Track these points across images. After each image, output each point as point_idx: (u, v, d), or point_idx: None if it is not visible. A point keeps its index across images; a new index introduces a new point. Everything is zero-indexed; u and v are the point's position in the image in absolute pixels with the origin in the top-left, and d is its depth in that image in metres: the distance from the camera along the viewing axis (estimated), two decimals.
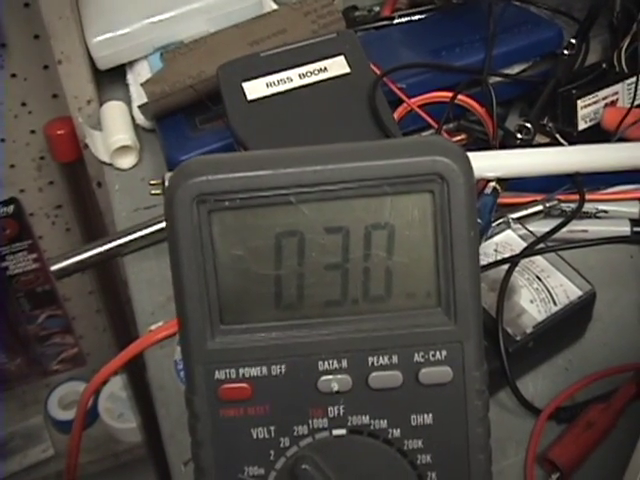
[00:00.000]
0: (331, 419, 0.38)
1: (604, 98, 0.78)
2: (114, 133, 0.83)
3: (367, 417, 0.38)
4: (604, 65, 0.82)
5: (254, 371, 0.37)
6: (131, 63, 0.90)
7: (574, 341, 0.62)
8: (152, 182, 0.71)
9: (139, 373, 1.29)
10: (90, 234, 1.15)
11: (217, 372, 0.38)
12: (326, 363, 0.37)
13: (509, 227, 0.66)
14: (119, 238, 0.73)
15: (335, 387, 0.37)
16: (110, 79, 0.92)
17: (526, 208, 0.69)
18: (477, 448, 0.38)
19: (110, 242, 0.74)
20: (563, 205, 0.70)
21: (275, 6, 0.90)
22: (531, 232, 0.65)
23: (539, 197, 0.70)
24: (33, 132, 1.11)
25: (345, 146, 0.37)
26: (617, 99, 0.79)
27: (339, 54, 0.72)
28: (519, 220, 0.67)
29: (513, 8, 0.86)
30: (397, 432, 0.38)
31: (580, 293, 0.60)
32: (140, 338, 0.68)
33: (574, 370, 0.61)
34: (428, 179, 0.36)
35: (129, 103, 0.88)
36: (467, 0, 0.88)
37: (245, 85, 0.71)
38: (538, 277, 0.61)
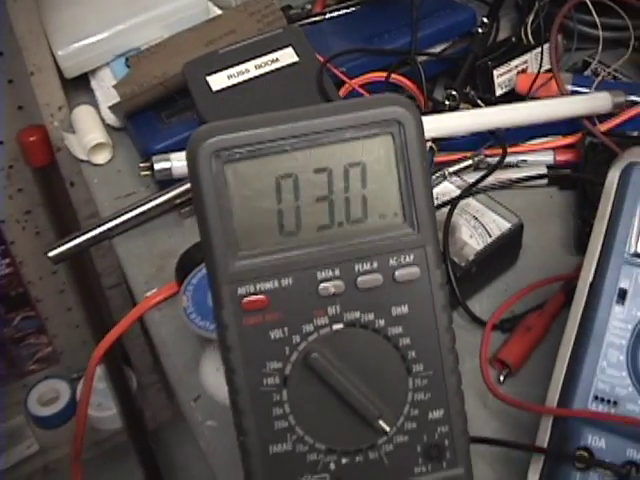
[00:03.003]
0: (330, 317, 0.49)
1: (516, 67, 0.91)
2: (88, 133, 0.93)
3: (358, 312, 0.49)
4: (513, 39, 0.94)
5: (268, 285, 0.48)
6: (94, 70, 1.00)
7: (509, 266, 0.74)
8: (141, 165, 0.81)
9: (117, 364, 1.38)
10: (63, 234, 1.24)
11: (239, 289, 0.48)
12: (323, 273, 0.48)
13: (445, 179, 0.77)
14: (108, 222, 0.83)
15: (332, 291, 0.48)
16: (75, 86, 1.01)
17: (458, 163, 0.81)
18: (443, 329, 0.50)
19: (100, 226, 0.84)
20: (489, 159, 0.82)
21: (219, 11, 1.01)
22: (465, 181, 0.77)
23: (468, 154, 0.82)
24: (1, 143, 1.20)
25: (325, 105, 0.49)
26: (527, 67, 0.92)
27: (288, 45, 0.84)
28: (454, 173, 0.79)
29: None
30: (382, 322, 0.49)
31: (509, 225, 0.72)
32: (139, 303, 0.78)
33: (511, 290, 0.73)
34: (389, 124, 0.48)
35: (96, 106, 0.98)
36: None
37: (209, 78, 0.82)
38: (474, 216, 0.73)
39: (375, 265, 0.49)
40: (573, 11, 0.93)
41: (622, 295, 0.55)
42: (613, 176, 0.57)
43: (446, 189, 0.76)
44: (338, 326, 0.49)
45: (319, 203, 0.48)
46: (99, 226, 0.84)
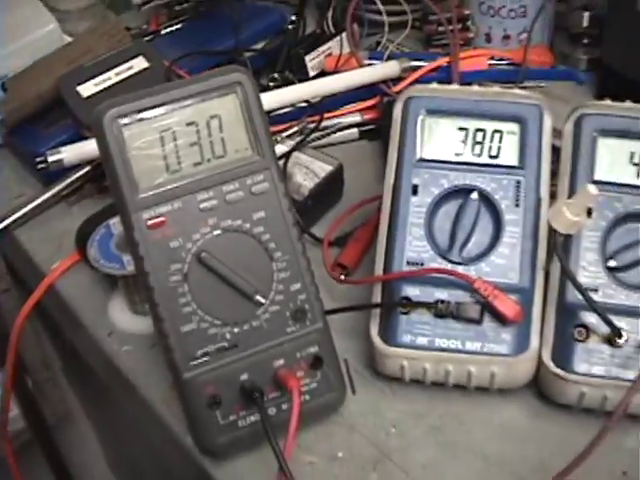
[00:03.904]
0: (211, 226, 0.68)
1: (323, 52, 1.13)
2: None
3: (230, 220, 0.69)
4: (318, 30, 1.17)
5: (164, 208, 0.68)
6: None
7: (338, 199, 0.96)
8: (37, 160, 0.99)
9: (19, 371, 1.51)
10: None
11: (143, 214, 0.67)
12: (201, 195, 0.68)
13: (279, 142, 0.98)
14: (12, 214, 1.01)
15: (209, 206, 0.68)
16: None
17: (288, 131, 1.02)
18: (291, 224, 0.70)
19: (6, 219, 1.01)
20: (312, 125, 1.04)
21: (70, 38, 1.20)
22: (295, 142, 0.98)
23: (295, 122, 1.04)
24: None
25: (188, 78, 0.70)
26: (332, 51, 1.14)
27: (138, 55, 1.04)
28: (286, 138, 1.00)
29: (248, 6, 1.20)
30: (247, 225, 0.69)
31: (332, 168, 0.94)
32: (48, 275, 0.96)
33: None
34: (233, 86, 0.68)
35: None
36: (213, 8, 1.22)
37: (79, 88, 1.01)
38: (305, 166, 0.94)
39: (237, 185, 0.69)
40: (362, 3, 1.16)
41: (415, 189, 0.77)
42: (398, 108, 0.80)
43: (280, 149, 0.97)
44: (217, 232, 0.69)
45: (192, 147, 0.68)
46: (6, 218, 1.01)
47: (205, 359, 0.69)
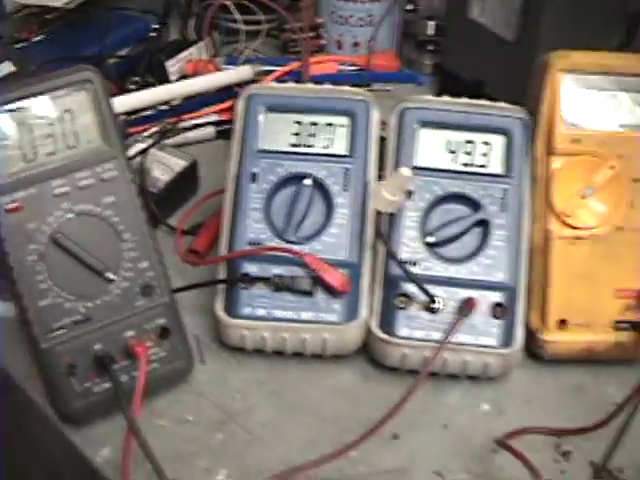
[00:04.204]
0: (64, 210, 0.74)
1: (184, 58, 1.21)
2: None
3: (81, 205, 0.75)
4: (180, 38, 1.25)
5: (21, 194, 0.73)
6: None
7: (194, 192, 1.03)
8: None
9: None
10: None
11: (2, 199, 0.74)
12: (57, 181, 0.74)
13: (139, 142, 1.05)
14: None
15: (62, 192, 0.75)
16: None
17: (149, 130, 1.09)
18: (139, 208, 0.77)
19: None
20: (168, 125, 1.11)
21: None
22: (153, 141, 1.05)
23: (156, 124, 1.11)
24: None
25: (43, 76, 0.76)
26: (192, 58, 1.22)
27: (5, 60, 1.09)
28: (147, 137, 1.07)
29: (114, 14, 1.27)
30: (98, 209, 0.76)
31: (186, 163, 1.01)
32: None
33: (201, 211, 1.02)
34: (84, 82, 0.75)
35: None
36: (81, 17, 1.28)
37: None
38: (162, 162, 1.01)
39: (88, 172, 0.76)
40: (221, 13, 1.24)
41: (254, 177, 0.85)
42: (240, 104, 0.87)
43: (140, 147, 1.04)
44: (70, 215, 0.75)
45: (47, 138, 0.75)
46: None
47: (61, 332, 0.75)
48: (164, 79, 1.17)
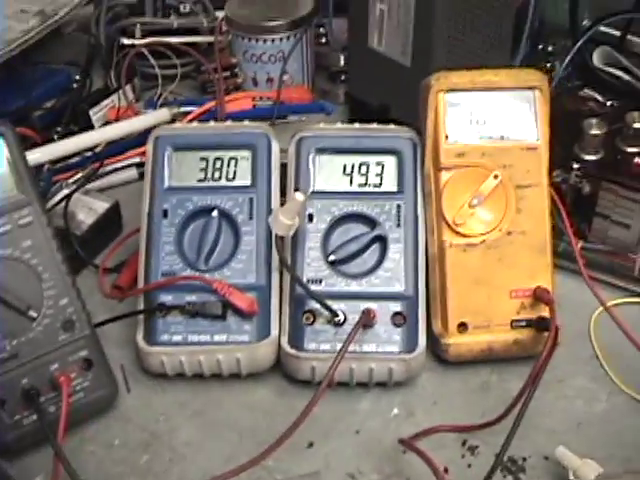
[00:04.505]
0: None
1: (107, 105, 1.27)
2: None
3: (1, 250, 0.81)
4: (103, 87, 1.31)
5: None
6: None
7: (119, 231, 1.09)
8: None
9: None
10: None
11: None
12: None
13: (64, 188, 1.11)
14: None
15: None
16: None
17: (74, 177, 1.15)
18: (55, 249, 0.83)
19: None
20: (92, 171, 1.16)
21: None
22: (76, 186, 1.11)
23: (80, 170, 1.16)
24: None
25: None
26: (115, 104, 1.28)
27: None
28: (72, 184, 1.13)
29: (39, 68, 1.32)
30: (17, 252, 0.81)
31: (108, 205, 1.07)
32: None
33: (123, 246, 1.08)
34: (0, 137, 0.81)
35: None
36: (6, 72, 1.33)
37: None
38: (87, 206, 1.07)
39: (6, 219, 0.81)
40: (139, 60, 1.31)
41: (165, 213, 0.90)
42: (149, 146, 0.93)
43: (65, 193, 1.09)
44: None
45: None
46: None
47: None
48: (89, 127, 1.23)
